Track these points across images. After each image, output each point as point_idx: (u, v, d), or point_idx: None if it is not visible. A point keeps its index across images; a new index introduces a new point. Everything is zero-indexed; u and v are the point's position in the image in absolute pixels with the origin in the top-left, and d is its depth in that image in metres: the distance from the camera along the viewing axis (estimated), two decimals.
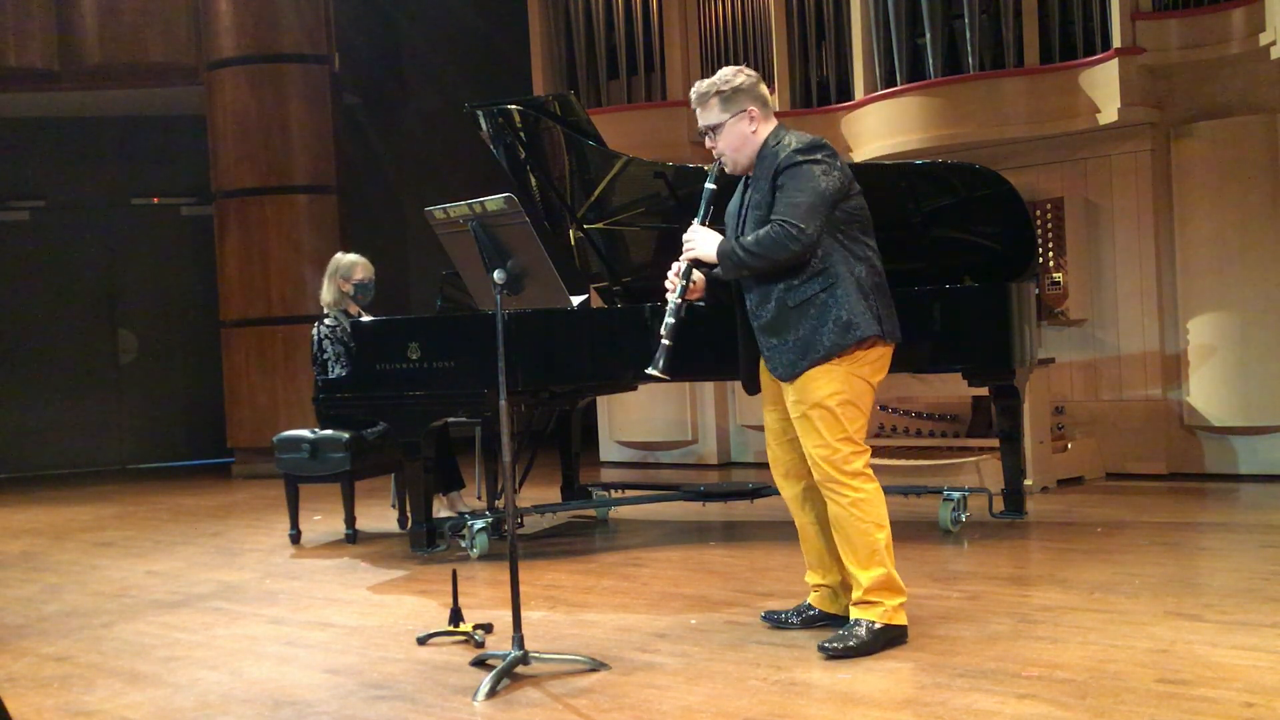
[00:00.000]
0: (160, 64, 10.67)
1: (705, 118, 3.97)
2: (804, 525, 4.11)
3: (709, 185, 4.02)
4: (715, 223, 4.07)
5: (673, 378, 6.56)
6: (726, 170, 4.03)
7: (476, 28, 12.30)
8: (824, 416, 3.82)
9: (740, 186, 4.09)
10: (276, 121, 10.43)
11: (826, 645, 3.75)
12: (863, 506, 3.82)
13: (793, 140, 3.89)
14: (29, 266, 11.82)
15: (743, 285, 4.02)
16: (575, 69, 9.77)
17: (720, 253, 3.90)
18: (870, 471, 3.88)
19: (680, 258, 4.01)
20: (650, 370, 3.93)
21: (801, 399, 3.86)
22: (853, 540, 3.84)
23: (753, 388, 4.18)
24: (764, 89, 4.01)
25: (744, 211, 3.99)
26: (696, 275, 4.01)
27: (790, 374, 3.88)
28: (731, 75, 3.96)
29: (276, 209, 10.45)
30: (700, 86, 3.98)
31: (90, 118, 11.74)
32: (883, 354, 3.92)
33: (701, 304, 4.13)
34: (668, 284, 4.01)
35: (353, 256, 6.71)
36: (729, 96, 3.92)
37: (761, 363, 4.07)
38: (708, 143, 4.01)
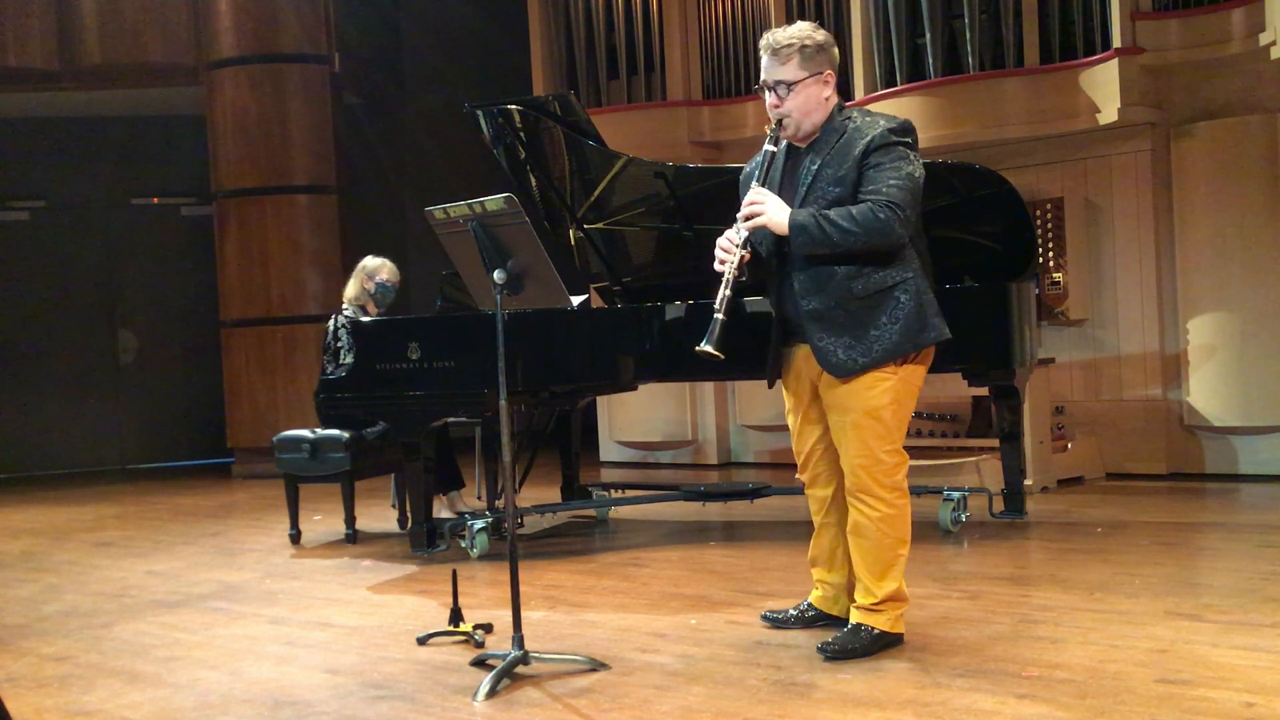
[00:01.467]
0: (160, 64, 10.67)
1: (779, 73, 3.63)
2: (824, 526, 4.00)
3: (770, 147, 3.67)
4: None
5: (673, 377, 6.61)
6: (786, 133, 3.69)
7: (476, 28, 12.29)
8: (874, 426, 3.63)
9: (773, 157, 3.75)
10: (276, 121, 10.44)
11: (827, 646, 3.73)
12: (892, 522, 3.70)
13: (881, 119, 3.64)
14: (29, 266, 11.82)
15: (791, 264, 3.68)
16: (575, 69, 9.77)
17: (798, 224, 3.53)
18: (905, 485, 3.74)
19: (740, 223, 3.63)
20: (702, 347, 3.54)
21: (850, 404, 3.65)
22: (872, 553, 3.73)
23: (774, 381, 3.94)
24: (837, 53, 3.73)
25: (805, 187, 3.65)
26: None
27: (847, 371, 3.61)
28: (813, 30, 3.66)
29: (276, 209, 10.46)
30: (779, 37, 3.65)
31: (90, 118, 11.74)
32: (929, 357, 3.77)
33: (743, 279, 3.63)
34: (721, 252, 3.63)
35: (382, 259, 6.84)
36: (812, 54, 3.62)
37: (793, 360, 3.83)
38: (769, 99, 3.67)
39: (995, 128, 7.61)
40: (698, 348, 3.57)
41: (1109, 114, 7.31)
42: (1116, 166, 7.69)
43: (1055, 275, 7.75)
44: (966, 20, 7.61)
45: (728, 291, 3.57)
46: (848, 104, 3.87)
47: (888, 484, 3.69)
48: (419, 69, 13.12)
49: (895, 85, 7.95)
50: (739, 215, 3.68)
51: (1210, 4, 7.20)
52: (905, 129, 3.65)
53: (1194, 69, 7.38)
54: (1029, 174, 7.75)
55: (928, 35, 7.76)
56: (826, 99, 3.69)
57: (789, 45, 3.64)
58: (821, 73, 3.66)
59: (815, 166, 3.67)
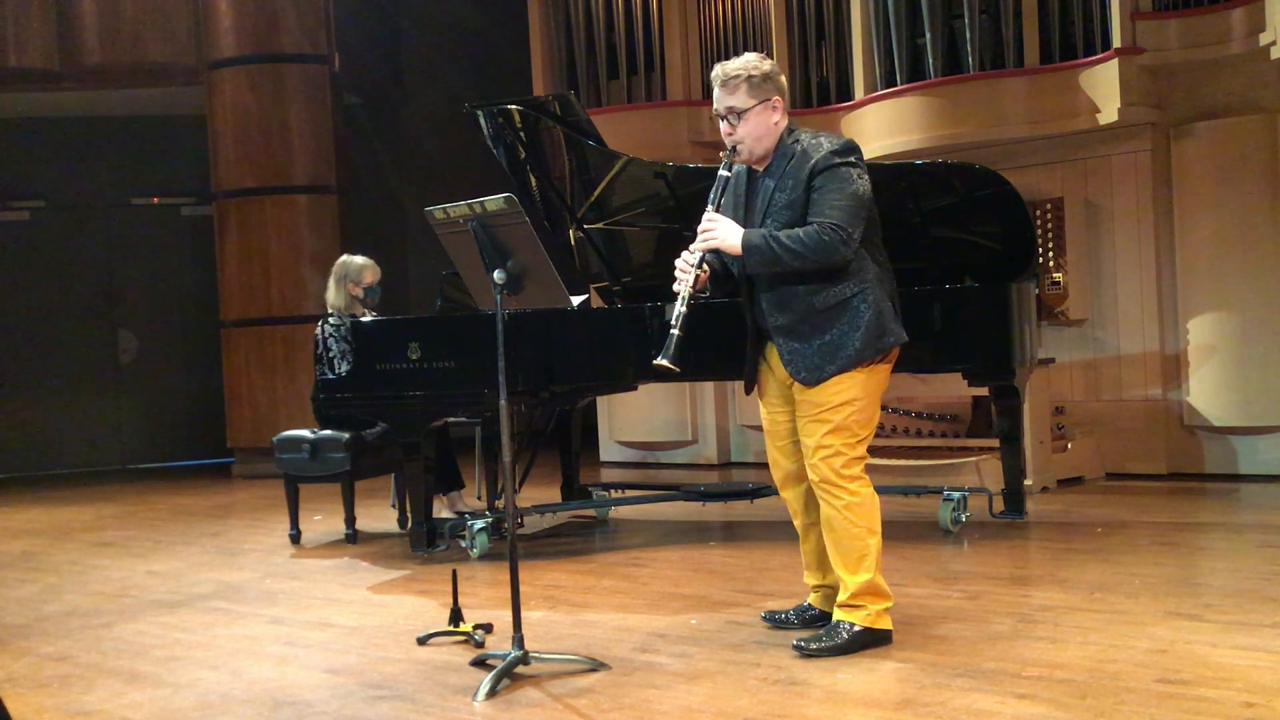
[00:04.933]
0: (160, 64, 10.66)
1: (730, 100, 3.82)
2: (804, 527, 4.09)
3: (724, 173, 3.87)
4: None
5: (679, 376, 6.59)
6: (740, 158, 3.89)
7: (476, 28, 12.29)
8: (838, 421, 3.78)
9: (727, 181, 3.93)
10: (276, 121, 10.43)
11: (801, 643, 3.78)
12: (856, 510, 3.80)
13: (824, 140, 3.81)
14: (29, 266, 11.81)
15: (755, 287, 3.92)
16: (575, 69, 9.77)
17: (750, 244, 3.74)
18: (866, 476, 3.86)
19: (694, 245, 3.82)
20: (659, 361, 3.74)
21: (816, 399, 3.80)
22: (843, 543, 3.82)
23: (752, 388, 4.10)
24: (784, 81, 3.94)
25: (763, 209, 3.85)
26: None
27: (816, 378, 3.79)
28: (759, 61, 3.86)
29: (276, 209, 10.45)
30: (728, 68, 3.84)
31: (90, 118, 11.74)
32: (894, 358, 3.92)
33: (704, 295, 3.93)
34: (679, 272, 3.82)
35: (361, 260, 6.61)
36: (759, 82, 3.81)
37: (764, 365, 4.01)
38: (724, 128, 3.86)
39: (995, 128, 7.61)
40: (655, 361, 3.78)
41: (1109, 114, 7.31)
42: (1116, 166, 7.69)
43: (1055, 275, 7.75)
44: (966, 20, 7.61)
45: (683, 309, 3.77)
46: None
47: (846, 474, 3.81)
48: (419, 69, 13.12)
49: (895, 85, 7.95)
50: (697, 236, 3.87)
51: (1210, 4, 7.20)
52: (847, 148, 3.82)
53: (1194, 69, 7.38)
54: (1029, 174, 7.75)
55: (928, 35, 7.76)
56: (775, 123, 3.86)
57: (736, 75, 3.84)
58: (769, 99, 3.84)
59: (771, 190, 3.86)
